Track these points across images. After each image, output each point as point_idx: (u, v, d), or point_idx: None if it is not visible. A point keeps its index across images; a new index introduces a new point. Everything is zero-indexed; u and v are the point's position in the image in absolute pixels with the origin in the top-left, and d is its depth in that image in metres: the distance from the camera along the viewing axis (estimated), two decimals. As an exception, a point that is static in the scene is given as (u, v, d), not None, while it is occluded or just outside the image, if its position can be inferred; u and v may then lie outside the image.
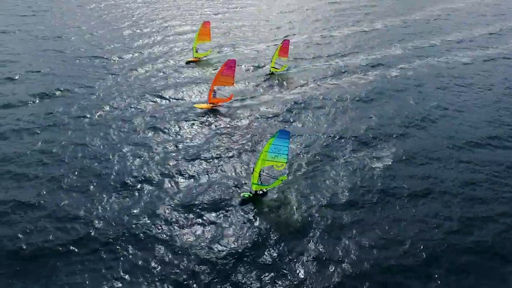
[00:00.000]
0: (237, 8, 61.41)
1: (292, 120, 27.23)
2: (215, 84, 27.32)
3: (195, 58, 36.73)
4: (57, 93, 29.27)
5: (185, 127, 25.55)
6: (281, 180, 19.26)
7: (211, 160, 22.15)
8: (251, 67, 36.43)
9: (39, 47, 39.08)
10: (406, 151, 23.83)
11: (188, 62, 36.44)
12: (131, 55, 37.93)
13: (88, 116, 26.24)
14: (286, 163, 18.79)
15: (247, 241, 16.92)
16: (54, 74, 32.62)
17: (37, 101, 28.02)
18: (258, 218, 18.18)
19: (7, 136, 23.68)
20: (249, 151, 23.15)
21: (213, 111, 27.51)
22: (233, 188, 19.92)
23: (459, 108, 30.23)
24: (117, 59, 36.76)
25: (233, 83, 27.75)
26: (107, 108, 27.50)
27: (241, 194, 19.07)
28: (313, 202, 19.31)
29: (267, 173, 19.11)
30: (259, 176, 18.63)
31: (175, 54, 39.07)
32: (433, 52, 43.20)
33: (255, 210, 18.60)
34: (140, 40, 42.53)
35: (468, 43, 47.50)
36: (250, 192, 19.05)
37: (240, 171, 21.28)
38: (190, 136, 24.60)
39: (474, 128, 27.06)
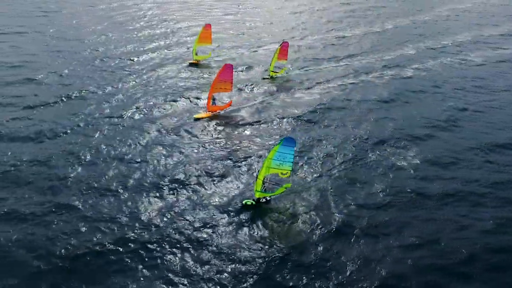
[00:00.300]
0: (246, 9, 61.25)
1: (296, 126, 26.45)
2: (213, 91, 26.41)
3: (195, 60, 36.56)
4: (78, 94, 29.34)
5: (185, 135, 24.70)
6: (285, 187, 18.88)
7: (212, 167, 21.45)
8: (252, 71, 35.77)
9: (55, 48, 39.19)
10: (432, 151, 23.81)
11: (188, 65, 36.30)
12: (138, 57, 37.81)
13: (111, 117, 26.28)
14: (291, 171, 18.56)
15: (250, 250, 16.42)
16: (73, 75, 32.68)
17: (60, 102, 28.02)
18: (261, 226, 17.68)
19: (34, 137, 23.67)
20: (251, 158, 22.51)
21: (213, 118, 26.82)
22: (235, 195, 19.46)
23: (478, 109, 30.31)
24: (127, 60, 36.92)
25: (232, 89, 27.07)
26: (131, 109, 27.44)
27: (243, 201, 18.72)
28: (324, 207, 18.91)
29: (271, 181, 18.84)
30: (263, 183, 18.40)
31: (179, 56, 39.00)
32: (445, 53, 43.38)
33: (258, 217, 18.19)
34: (153, 42, 42.71)
35: (479, 43, 47.66)
36: (253, 200, 18.76)
37: (243, 179, 20.71)
38: (190, 144, 23.66)
39: (496, 129, 27.13)
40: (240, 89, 31.31)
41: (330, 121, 27.24)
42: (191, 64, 36.33)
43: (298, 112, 28.26)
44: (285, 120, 27.09)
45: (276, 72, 33.81)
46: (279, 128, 26.17)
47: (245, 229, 17.46)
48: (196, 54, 36.46)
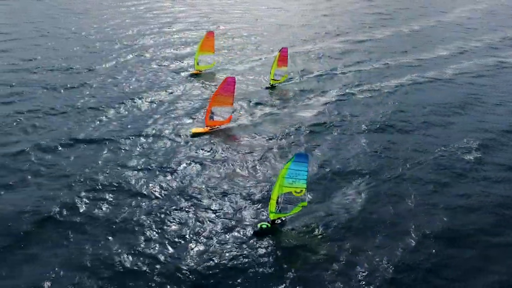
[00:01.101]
0: (248, 13, 59.92)
1: (304, 139, 24.22)
2: (213, 105, 24.64)
3: (197, 71, 34.22)
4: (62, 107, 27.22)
5: (182, 152, 22.21)
6: (301, 206, 17.24)
7: (217, 189, 19.30)
8: (252, 80, 33.55)
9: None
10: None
11: (191, 75, 33.96)
12: (136, 64, 36.11)
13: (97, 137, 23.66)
14: (306, 188, 16.97)
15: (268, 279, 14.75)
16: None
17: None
18: (279, 251, 16.26)
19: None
20: (260, 177, 20.41)
21: (213, 135, 24.22)
22: (248, 219, 17.55)
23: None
24: (121, 68, 35.09)
25: (233, 103, 25.28)
26: (121, 123, 25.15)
27: (258, 225, 16.95)
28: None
29: (285, 200, 17.06)
30: (277, 204, 16.76)
31: (180, 66, 36.74)
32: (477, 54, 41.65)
33: (274, 241, 16.52)
34: (151, 49, 40.87)
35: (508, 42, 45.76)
36: (268, 222, 17.01)
37: (254, 200, 18.71)
38: (189, 163, 21.12)
39: None
40: (239, 101, 28.63)
41: (339, 132, 25.16)
42: (192, 75, 34.08)
43: (304, 123, 26.02)
44: (291, 133, 24.89)
45: (277, 80, 31.84)
46: (286, 142, 23.88)
47: (263, 255, 15.76)
48: (198, 64, 34.14)
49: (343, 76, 35.15)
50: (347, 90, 31.84)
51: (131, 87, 31.06)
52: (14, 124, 24.55)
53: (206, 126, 25.03)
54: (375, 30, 51.21)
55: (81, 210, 17.50)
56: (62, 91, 29.40)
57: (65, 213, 17.32)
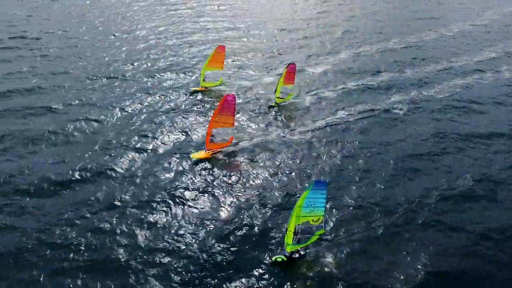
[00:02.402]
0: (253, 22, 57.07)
1: (315, 163, 22.81)
2: (213, 127, 23.00)
3: (202, 87, 32.01)
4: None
5: (183, 181, 20.79)
6: (318, 235, 16.57)
7: (225, 221, 18.24)
8: (256, 97, 31.39)
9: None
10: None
11: (193, 92, 31.84)
12: (134, 79, 34.02)
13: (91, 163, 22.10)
14: (323, 216, 16.17)
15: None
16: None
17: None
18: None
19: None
20: (271, 206, 19.29)
21: (213, 159, 22.81)
22: (261, 253, 16.60)
23: None
24: (117, 82, 33.21)
25: (233, 124, 23.61)
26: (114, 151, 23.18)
27: (273, 259, 16.10)
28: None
29: (303, 231, 16.38)
30: (294, 235, 15.97)
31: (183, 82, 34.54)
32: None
33: (292, 278, 15.68)
34: (153, 62, 38.52)
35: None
36: (284, 255, 16.18)
37: (267, 232, 17.74)
38: (192, 194, 19.88)
39: None
40: (242, 121, 27.11)
41: (351, 155, 23.84)
42: (195, 92, 31.90)
43: (312, 147, 24.54)
44: (298, 157, 23.48)
45: (283, 98, 30.02)
46: (294, 167, 22.43)
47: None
48: (204, 80, 32.13)
49: (354, 94, 33.10)
50: (358, 109, 29.93)
51: (122, 108, 28.73)
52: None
53: (207, 150, 23.08)
54: (388, 40, 48.82)
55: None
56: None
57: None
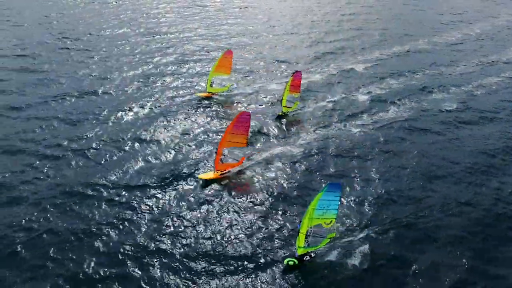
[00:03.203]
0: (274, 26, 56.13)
1: (324, 178, 21.99)
2: (223, 146, 21.31)
3: (208, 93, 31.25)
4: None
5: (192, 210, 19.35)
6: (330, 237, 16.54)
7: (243, 228, 18.09)
8: (262, 107, 30.41)
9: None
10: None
11: (200, 98, 30.95)
12: (138, 84, 33.35)
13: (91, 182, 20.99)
14: (336, 218, 16.17)
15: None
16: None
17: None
18: None
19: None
20: (284, 211, 19.22)
21: (223, 180, 21.41)
22: (273, 255, 16.59)
23: None
24: (119, 89, 32.32)
25: (247, 143, 22.13)
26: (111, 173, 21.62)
27: (284, 261, 16.04)
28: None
29: (315, 233, 16.26)
30: (306, 237, 15.97)
31: (189, 87, 33.74)
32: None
33: (304, 281, 15.60)
34: (157, 66, 37.98)
35: None
36: (295, 258, 16.14)
37: (279, 234, 17.73)
38: (204, 221, 18.66)
39: None
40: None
41: (362, 167, 23.28)
42: (201, 98, 31.09)
43: (323, 160, 23.66)
44: (311, 165, 22.90)
45: (289, 108, 29.07)
46: (305, 181, 21.61)
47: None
48: (211, 86, 31.49)
49: (363, 100, 32.29)
50: (368, 117, 29.46)
51: (123, 118, 27.89)
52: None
53: (216, 171, 21.53)
54: (396, 46, 47.82)
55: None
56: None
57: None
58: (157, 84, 33.64)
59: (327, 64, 40.39)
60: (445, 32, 54.43)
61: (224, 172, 21.64)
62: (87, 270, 15.58)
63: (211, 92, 31.54)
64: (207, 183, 20.95)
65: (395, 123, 28.49)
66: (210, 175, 21.35)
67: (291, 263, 16.00)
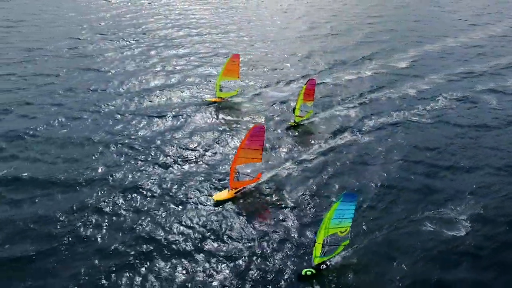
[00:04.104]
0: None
1: (343, 185, 21.89)
2: (238, 163, 20.09)
3: (218, 98, 31.28)
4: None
5: (208, 230, 18.58)
6: (344, 245, 16.85)
7: (260, 243, 18.00)
8: (275, 116, 29.69)
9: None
10: None
11: (209, 103, 30.89)
12: (145, 92, 32.92)
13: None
14: (350, 227, 16.46)
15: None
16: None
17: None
18: None
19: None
20: (300, 224, 19.15)
21: (238, 199, 20.47)
22: (291, 266, 16.76)
23: None
24: (127, 99, 31.73)
25: (261, 158, 20.91)
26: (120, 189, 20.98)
27: (302, 272, 16.30)
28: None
29: (330, 243, 16.50)
30: (322, 247, 16.23)
31: (198, 92, 33.42)
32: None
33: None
34: (165, 72, 38.02)
35: None
36: (312, 268, 16.40)
37: (294, 247, 17.82)
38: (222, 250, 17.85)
39: None
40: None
41: (376, 171, 23.29)
42: (211, 103, 30.95)
43: (340, 169, 23.42)
44: (326, 181, 22.20)
45: (302, 117, 28.42)
46: (322, 190, 21.42)
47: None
48: (220, 91, 31.41)
49: (376, 106, 31.91)
50: (383, 123, 29.08)
51: (130, 129, 27.16)
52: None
53: (231, 189, 20.56)
54: (410, 51, 47.39)
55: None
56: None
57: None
58: (163, 92, 33.12)
59: (339, 70, 39.91)
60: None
61: (239, 190, 20.68)
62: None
63: (220, 97, 31.43)
64: (221, 203, 20.05)
65: (410, 130, 28.26)
66: (224, 194, 20.33)
67: (309, 273, 16.32)
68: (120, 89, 33.61)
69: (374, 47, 48.30)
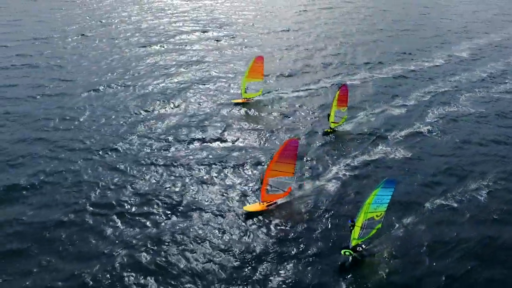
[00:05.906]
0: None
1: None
2: (269, 176, 19.81)
3: (244, 99, 32.41)
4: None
5: (239, 243, 18.34)
6: (377, 229, 18.20)
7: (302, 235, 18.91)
8: (307, 122, 29.27)
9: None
10: None
11: (236, 104, 32.12)
12: (169, 94, 33.14)
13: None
14: (385, 211, 17.79)
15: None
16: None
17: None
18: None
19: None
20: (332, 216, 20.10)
21: (271, 212, 20.11)
22: (331, 245, 18.39)
23: None
24: (151, 100, 32.08)
25: (294, 173, 20.65)
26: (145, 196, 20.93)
27: (342, 252, 17.75)
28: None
29: (366, 226, 17.74)
30: (360, 230, 17.57)
31: (222, 93, 34.03)
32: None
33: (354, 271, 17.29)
34: (189, 74, 37.98)
35: None
36: (349, 249, 17.76)
37: (333, 231, 19.26)
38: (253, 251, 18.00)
39: None
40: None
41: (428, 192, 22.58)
42: (237, 104, 31.93)
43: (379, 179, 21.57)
44: (362, 191, 21.56)
45: (337, 123, 28.30)
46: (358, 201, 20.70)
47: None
48: (246, 92, 32.50)
49: (413, 109, 31.77)
50: (423, 126, 29.11)
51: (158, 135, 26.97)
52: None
53: (262, 202, 20.44)
54: (443, 51, 47.56)
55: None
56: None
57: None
58: (189, 94, 33.62)
59: (367, 72, 39.85)
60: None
61: (270, 203, 20.55)
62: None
63: (246, 98, 32.67)
64: (251, 215, 19.85)
65: (452, 134, 28.41)
66: (255, 206, 20.24)
67: (347, 253, 17.82)
68: (147, 89, 34.20)
69: (407, 46, 48.65)
